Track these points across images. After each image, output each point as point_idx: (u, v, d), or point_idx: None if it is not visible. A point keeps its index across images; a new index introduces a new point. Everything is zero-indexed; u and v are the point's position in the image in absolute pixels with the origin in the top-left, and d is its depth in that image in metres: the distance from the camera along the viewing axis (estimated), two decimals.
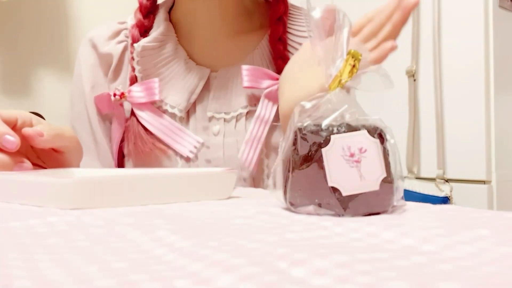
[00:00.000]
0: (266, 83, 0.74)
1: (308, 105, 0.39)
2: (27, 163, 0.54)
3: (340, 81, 0.38)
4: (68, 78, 1.67)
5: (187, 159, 0.74)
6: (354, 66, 0.38)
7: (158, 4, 0.84)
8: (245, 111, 0.75)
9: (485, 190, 1.44)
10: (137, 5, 0.81)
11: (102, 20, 0.87)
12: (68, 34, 1.69)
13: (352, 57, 0.38)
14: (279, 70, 0.75)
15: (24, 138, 0.55)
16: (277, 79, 0.73)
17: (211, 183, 0.47)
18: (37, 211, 0.39)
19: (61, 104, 1.62)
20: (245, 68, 0.73)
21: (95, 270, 0.21)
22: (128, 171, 0.64)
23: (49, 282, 0.20)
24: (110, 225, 0.32)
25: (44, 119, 0.62)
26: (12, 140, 0.53)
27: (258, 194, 0.55)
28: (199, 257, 0.23)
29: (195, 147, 0.74)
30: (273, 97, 0.73)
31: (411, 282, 0.19)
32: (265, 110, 0.73)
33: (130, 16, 0.82)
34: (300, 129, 0.37)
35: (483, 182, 1.45)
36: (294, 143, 0.37)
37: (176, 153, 0.74)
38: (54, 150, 0.59)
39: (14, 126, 0.56)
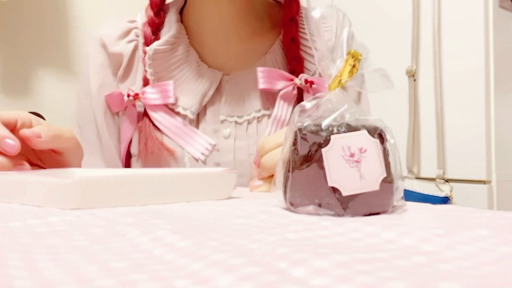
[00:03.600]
0: (281, 84, 0.74)
1: (308, 105, 0.39)
2: (26, 166, 0.54)
3: (340, 81, 0.38)
4: (68, 78, 1.66)
5: (196, 162, 0.74)
6: (354, 66, 0.38)
7: (168, 3, 0.83)
8: (258, 114, 0.75)
9: (485, 190, 1.44)
10: (138, 4, 0.81)
11: (102, 20, 0.87)
12: (68, 34, 1.69)
13: (352, 57, 0.38)
14: (293, 71, 0.76)
15: (22, 139, 0.54)
16: (292, 79, 0.74)
17: (211, 183, 0.47)
18: (37, 211, 0.39)
19: (61, 104, 1.62)
20: (260, 70, 0.73)
21: (95, 270, 0.21)
22: (128, 171, 0.64)
23: (49, 282, 0.20)
24: (110, 225, 0.32)
25: (44, 119, 0.62)
26: (12, 144, 0.52)
27: (258, 194, 0.55)
28: (199, 257, 0.23)
29: (207, 149, 0.74)
30: (289, 98, 0.74)
31: (411, 282, 0.19)
32: (281, 111, 0.74)
33: (139, 14, 0.82)
34: (300, 129, 0.37)
35: (483, 182, 1.45)
36: (294, 143, 0.37)
37: (185, 154, 0.74)
38: (53, 151, 0.59)
39: (14, 128, 0.56)
